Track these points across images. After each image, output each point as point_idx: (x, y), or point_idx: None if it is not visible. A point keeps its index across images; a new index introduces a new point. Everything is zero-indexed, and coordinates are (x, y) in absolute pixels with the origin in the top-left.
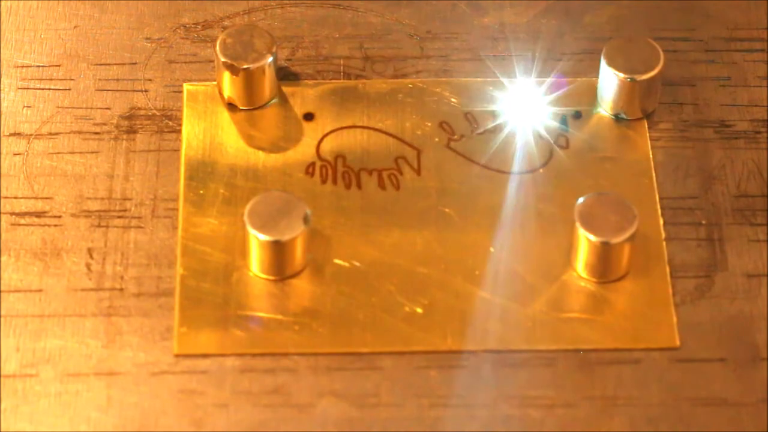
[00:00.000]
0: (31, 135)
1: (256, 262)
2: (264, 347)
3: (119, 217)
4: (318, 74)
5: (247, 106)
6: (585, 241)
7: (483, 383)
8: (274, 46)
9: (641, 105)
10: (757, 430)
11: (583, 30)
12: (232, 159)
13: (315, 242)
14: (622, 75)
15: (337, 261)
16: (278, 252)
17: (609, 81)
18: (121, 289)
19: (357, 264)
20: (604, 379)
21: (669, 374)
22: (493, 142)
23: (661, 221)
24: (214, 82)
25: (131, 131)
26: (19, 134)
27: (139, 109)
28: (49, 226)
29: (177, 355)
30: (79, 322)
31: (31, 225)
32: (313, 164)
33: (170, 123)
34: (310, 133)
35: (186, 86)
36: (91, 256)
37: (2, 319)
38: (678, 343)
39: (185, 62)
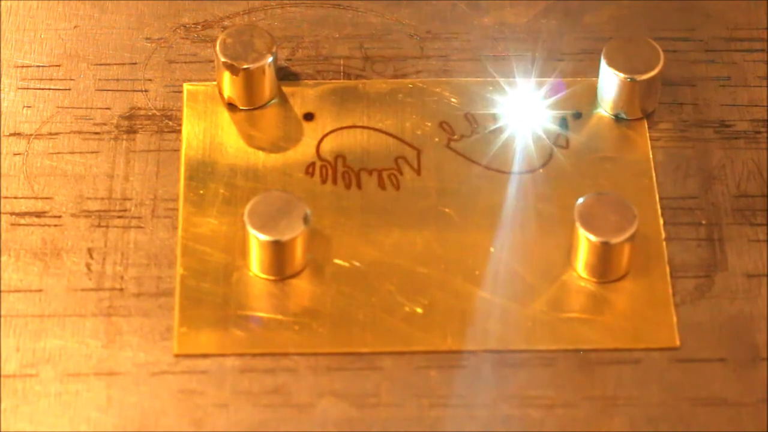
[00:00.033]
0: (31, 135)
1: (256, 262)
2: (264, 347)
3: (119, 217)
4: (318, 74)
5: (247, 106)
6: (585, 241)
7: (483, 383)
8: (274, 46)
9: (641, 105)
10: (757, 430)
11: (583, 30)
12: (232, 159)
13: (315, 242)
14: (622, 75)
15: (337, 261)
16: (278, 252)
17: (609, 81)
18: (121, 289)
19: (357, 264)
20: (604, 379)
21: (669, 374)
22: (493, 142)
23: (661, 221)
24: (214, 82)
25: (131, 131)
26: (19, 134)
27: (139, 109)
28: (49, 226)
29: (177, 355)
30: (79, 322)
31: (31, 225)
32: (313, 164)
33: (170, 123)
34: (310, 133)
35: (186, 86)
36: (91, 256)
37: (2, 319)
38: (678, 343)
39: (185, 62)
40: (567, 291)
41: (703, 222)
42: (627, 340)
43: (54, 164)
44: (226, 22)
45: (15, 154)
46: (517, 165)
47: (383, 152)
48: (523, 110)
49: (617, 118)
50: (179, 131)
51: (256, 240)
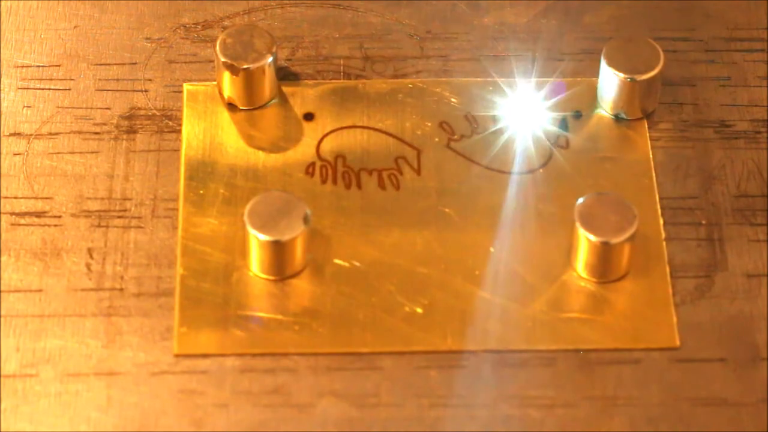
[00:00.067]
0: (31, 135)
1: (256, 262)
2: (264, 347)
3: (119, 217)
4: (318, 74)
5: (247, 106)
6: (585, 241)
7: (483, 383)
8: (274, 46)
9: (641, 105)
10: (757, 430)
11: (583, 30)
12: (232, 159)
13: (315, 242)
14: (622, 75)
15: (337, 261)
16: (278, 252)
17: (609, 81)
18: (121, 289)
19: (357, 264)
20: (604, 379)
21: (669, 374)
22: (493, 142)
23: (661, 221)
24: (214, 82)
25: (131, 131)
26: (19, 134)
27: (139, 109)
28: (49, 226)
29: (177, 355)
30: (79, 322)
31: (31, 225)
32: (313, 164)
33: (170, 123)
34: (310, 133)
35: (186, 86)
36: (91, 256)
37: (2, 319)
38: (678, 343)
39: (185, 62)
40: (567, 291)
41: (703, 222)
42: (627, 340)
43: (54, 164)
44: (226, 22)
45: (15, 154)
46: (517, 165)
47: (383, 152)
48: (523, 110)
49: (617, 118)
50: (179, 131)
51: (256, 240)
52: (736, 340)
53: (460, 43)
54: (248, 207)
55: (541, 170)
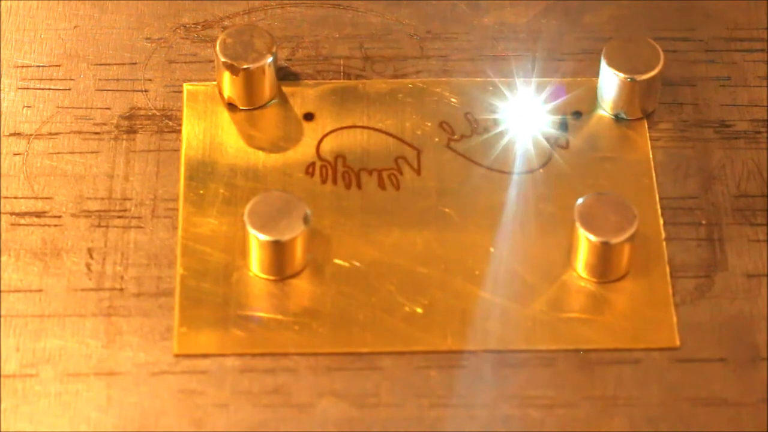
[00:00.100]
0: (31, 135)
1: (256, 262)
2: (264, 347)
3: (119, 217)
4: (318, 74)
5: (247, 106)
6: (585, 241)
7: (483, 383)
8: (274, 46)
9: (641, 105)
10: (757, 430)
11: (583, 30)
12: (232, 159)
13: (315, 242)
14: (622, 75)
15: (337, 261)
16: (278, 252)
17: (609, 81)
18: (121, 289)
19: (357, 264)
20: (604, 379)
21: (669, 374)
22: (493, 142)
23: (661, 221)
24: (214, 82)
25: (131, 131)
26: (19, 134)
27: (139, 109)
28: (49, 226)
29: (177, 355)
30: (79, 322)
31: (31, 225)
32: (313, 164)
33: (170, 123)
34: (310, 133)
35: (186, 86)
36: (91, 256)
37: (2, 319)
38: (678, 343)
39: (185, 62)
40: (567, 291)
41: (703, 222)
42: (627, 340)
43: (54, 164)
44: (226, 22)
45: (15, 154)
46: (517, 165)
47: (383, 152)
48: (523, 110)
49: (617, 118)
50: (179, 131)
51: (256, 240)
52: (736, 340)
53: (460, 43)
54: (248, 207)
55: (541, 170)
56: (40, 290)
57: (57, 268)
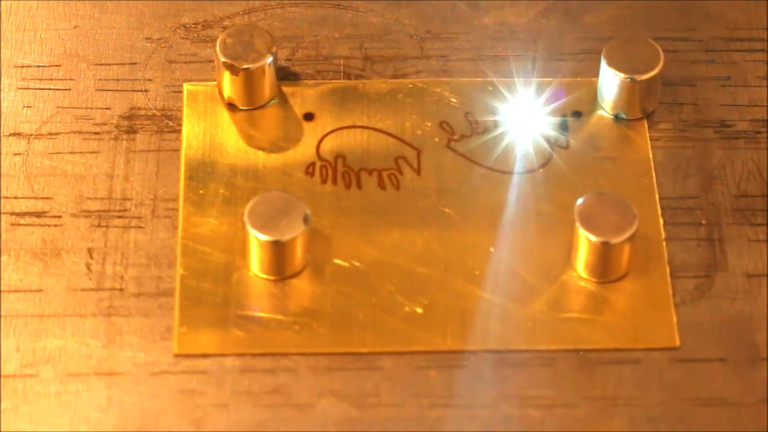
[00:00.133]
0: (31, 135)
1: (256, 262)
2: (264, 347)
3: (119, 217)
4: (318, 74)
5: (247, 106)
6: (585, 241)
7: (483, 383)
8: (274, 46)
9: (641, 105)
10: (757, 430)
11: (583, 30)
12: (232, 159)
13: (315, 242)
14: (622, 75)
15: (337, 261)
16: (278, 252)
17: (609, 81)
18: (121, 289)
19: (357, 264)
20: (604, 379)
21: (669, 374)
22: (493, 142)
23: (661, 221)
24: (214, 82)
25: (131, 131)
26: (19, 134)
27: (139, 109)
28: (49, 226)
29: (177, 355)
30: (79, 322)
31: (31, 225)
32: (313, 164)
33: (170, 123)
34: (310, 133)
35: (186, 86)
36: (91, 256)
37: (2, 319)
38: (678, 343)
39: (185, 62)
40: (567, 291)
41: (703, 222)
42: (627, 340)
43: (54, 164)
44: (226, 22)
45: (15, 154)
46: (517, 165)
47: (383, 152)
48: (523, 110)
49: (617, 118)
50: (179, 131)
51: (256, 240)
52: (736, 340)
53: (460, 43)
54: (248, 207)
55: (541, 170)
56: (40, 290)
57: (57, 268)
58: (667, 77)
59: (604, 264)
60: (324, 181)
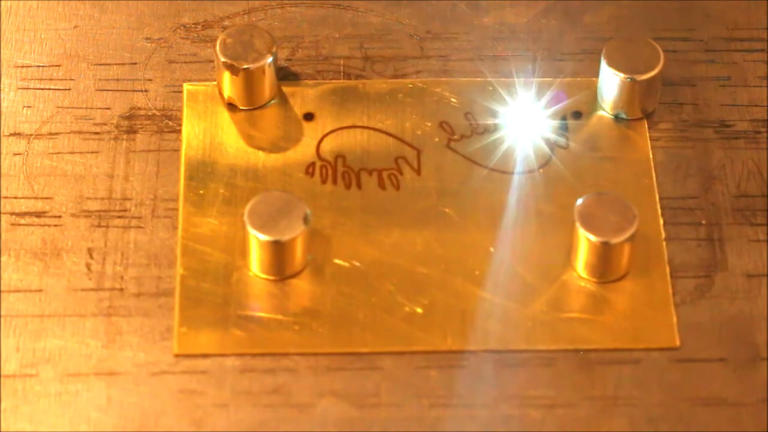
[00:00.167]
0: (31, 135)
1: (256, 262)
2: (264, 347)
3: (119, 217)
4: (318, 74)
5: (247, 106)
6: (585, 241)
7: (483, 383)
8: (274, 46)
9: (641, 105)
10: (757, 430)
11: (583, 30)
12: (232, 159)
13: (315, 242)
14: (622, 75)
15: (337, 261)
16: (278, 252)
17: (609, 81)
18: (121, 289)
19: (357, 264)
20: (604, 379)
21: (669, 374)
22: (493, 142)
23: (661, 221)
24: (214, 82)
25: (131, 131)
26: (19, 134)
27: (139, 109)
28: (49, 226)
29: (177, 355)
30: (79, 322)
31: (31, 225)
32: (313, 164)
33: (170, 123)
34: (310, 133)
35: (186, 86)
36: (91, 256)
37: (2, 319)
38: (678, 343)
39: (185, 62)
40: (567, 291)
41: (703, 222)
42: (627, 340)
43: (54, 164)
44: (226, 22)
45: (15, 154)
46: (517, 165)
47: (383, 152)
48: (523, 111)
49: (617, 118)
50: (179, 131)
51: (256, 240)
52: (736, 340)
53: (460, 43)
54: (248, 207)
55: (541, 170)
56: (40, 290)
57: (57, 268)
58: (667, 77)
59: (604, 264)
60: (324, 181)
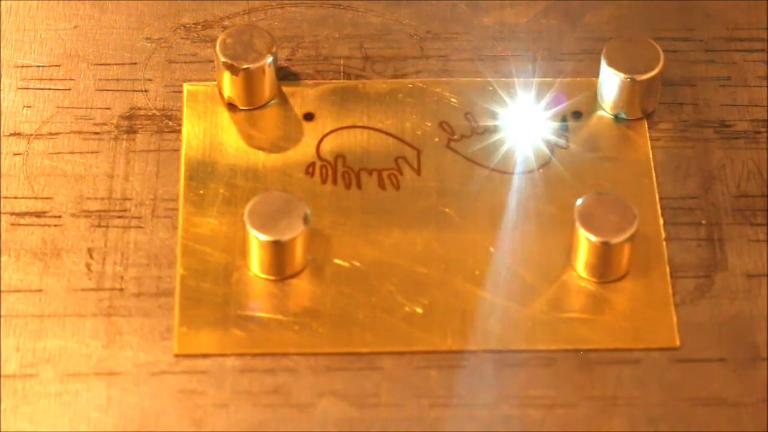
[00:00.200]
0: (31, 135)
1: (256, 262)
2: (264, 347)
3: (119, 217)
4: (318, 74)
5: (247, 106)
6: (585, 241)
7: (483, 383)
8: (274, 46)
9: (641, 105)
10: (757, 430)
11: (583, 30)
12: (232, 159)
13: (315, 242)
14: (622, 75)
15: (337, 261)
16: (278, 252)
17: (609, 81)
18: (121, 289)
19: (357, 264)
20: (604, 379)
21: (669, 374)
22: (493, 142)
23: (661, 221)
24: (214, 82)
25: (131, 131)
26: (19, 134)
27: (139, 109)
28: (49, 226)
29: (177, 355)
30: (79, 322)
31: (31, 225)
32: (313, 164)
33: (170, 123)
34: (310, 133)
35: (186, 86)
36: (91, 256)
37: (2, 319)
38: (678, 343)
39: (185, 62)
40: (567, 291)
41: (703, 222)
42: (627, 340)
43: (54, 164)
44: (226, 22)
45: (15, 154)
46: (517, 165)
47: (383, 152)
48: (523, 111)
49: (617, 118)
50: (179, 131)
51: (256, 240)
52: (736, 340)
53: (460, 43)
54: (248, 207)
55: (541, 170)
56: (40, 290)
57: (57, 268)
58: (667, 77)
59: (604, 264)
60: (324, 181)
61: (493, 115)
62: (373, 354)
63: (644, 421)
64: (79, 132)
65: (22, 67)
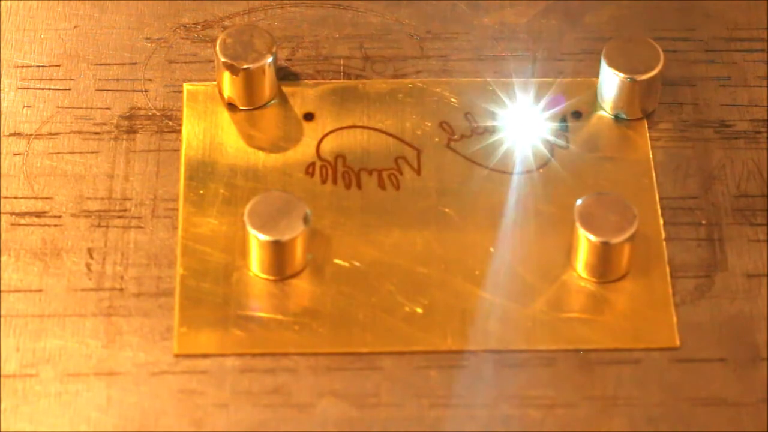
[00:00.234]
0: (31, 135)
1: (256, 262)
2: (264, 347)
3: (119, 217)
4: (318, 74)
5: (247, 106)
6: (585, 241)
7: (483, 383)
8: (274, 46)
9: (641, 105)
10: (757, 430)
11: (583, 30)
12: (232, 159)
13: (315, 242)
14: (622, 75)
15: (337, 261)
16: (278, 252)
17: (609, 81)
18: (121, 289)
19: (357, 264)
20: (604, 379)
21: (669, 374)
22: (493, 142)
23: (661, 221)
24: (214, 82)
25: (131, 131)
26: (19, 134)
27: (139, 109)
28: (49, 226)
29: (177, 355)
30: (79, 322)
31: (31, 225)
32: (313, 164)
33: (170, 123)
34: (310, 133)
35: (186, 86)
36: (91, 256)
37: (2, 319)
38: (678, 343)
39: (185, 62)
40: (567, 291)
41: (703, 222)
42: (627, 340)
43: (54, 164)
44: (226, 22)
45: (15, 154)
46: (517, 165)
47: (383, 152)
48: (523, 111)
49: (617, 118)
50: (179, 131)
51: (256, 240)
52: (736, 340)
53: (460, 43)
54: (248, 207)
55: (541, 170)
56: (40, 290)
57: (57, 268)
58: (667, 77)
59: (604, 264)
60: (324, 181)
61: (493, 115)
62: (373, 354)
63: (644, 421)
64: (79, 132)
65: (22, 67)
